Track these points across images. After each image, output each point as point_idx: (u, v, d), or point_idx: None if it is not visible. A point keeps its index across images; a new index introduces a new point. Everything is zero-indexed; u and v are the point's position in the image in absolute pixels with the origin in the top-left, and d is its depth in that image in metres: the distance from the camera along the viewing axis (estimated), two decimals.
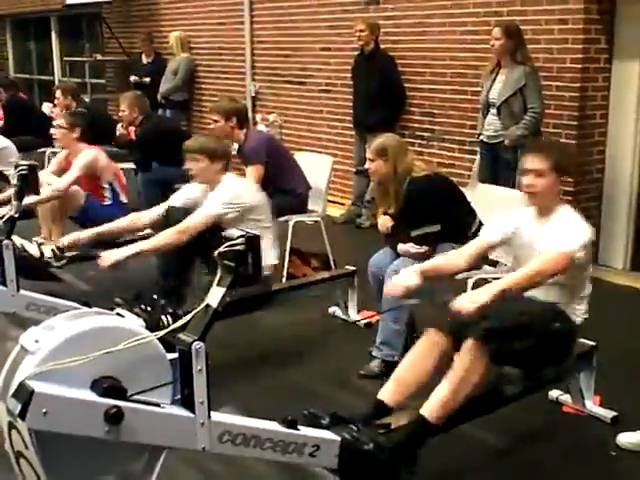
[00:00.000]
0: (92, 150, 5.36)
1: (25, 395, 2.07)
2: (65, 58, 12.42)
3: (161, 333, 2.35)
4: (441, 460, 3.02)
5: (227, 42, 9.04)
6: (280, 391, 3.76)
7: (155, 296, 3.90)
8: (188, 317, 2.40)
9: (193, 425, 2.33)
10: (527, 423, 3.47)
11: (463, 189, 4.35)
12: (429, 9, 6.59)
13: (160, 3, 10.03)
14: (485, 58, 5.81)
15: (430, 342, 3.06)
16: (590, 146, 5.63)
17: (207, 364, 2.32)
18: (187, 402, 2.34)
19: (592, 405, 3.48)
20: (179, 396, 2.38)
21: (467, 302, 2.85)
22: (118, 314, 2.52)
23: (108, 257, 4.02)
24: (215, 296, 2.41)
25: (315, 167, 5.67)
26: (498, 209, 4.13)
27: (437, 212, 3.97)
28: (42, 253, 4.97)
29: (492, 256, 3.90)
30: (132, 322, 2.42)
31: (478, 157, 5.87)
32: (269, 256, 4.22)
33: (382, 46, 6.78)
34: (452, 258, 3.39)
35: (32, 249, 4.96)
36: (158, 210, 4.42)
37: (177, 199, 4.42)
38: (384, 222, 4.15)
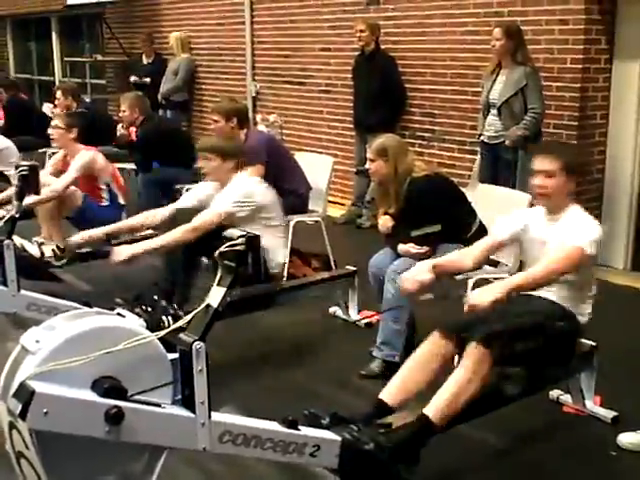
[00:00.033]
0: (89, 151, 5.36)
1: (26, 395, 2.07)
2: (65, 58, 12.43)
3: (161, 333, 2.35)
4: (441, 460, 3.02)
5: (227, 42, 9.04)
6: (280, 391, 3.76)
7: (156, 297, 3.91)
8: (188, 317, 2.40)
9: (194, 425, 2.33)
10: (527, 423, 3.47)
11: (463, 189, 4.35)
12: (429, 9, 6.59)
13: (161, 3, 10.04)
14: (485, 58, 5.82)
15: (433, 345, 3.07)
16: (591, 146, 5.64)
17: (208, 364, 2.32)
18: (188, 402, 2.34)
19: (592, 405, 3.48)
20: (180, 396, 2.38)
21: (482, 297, 2.86)
22: (119, 314, 2.52)
23: (121, 252, 4.06)
24: (215, 296, 2.41)
25: (315, 167, 5.67)
26: (498, 209, 4.14)
27: (437, 212, 3.97)
28: (42, 253, 4.99)
29: (492, 256, 3.90)
30: (133, 322, 2.41)
31: (478, 157, 5.87)
32: (279, 255, 4.26)
33: (382, 46, 6.78)
34: (462, 255, 3.41)
35: (32, 249, 4.98)
36: (169, 209, 4.46)
37: (190, 197, 4.47)
38: (384, 222, 4.15)
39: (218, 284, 2.43)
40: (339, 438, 2.62)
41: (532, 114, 5.26)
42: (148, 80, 9.27)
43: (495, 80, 5.46)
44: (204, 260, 4.15)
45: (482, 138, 5.63)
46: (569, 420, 3.51)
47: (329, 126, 7.84)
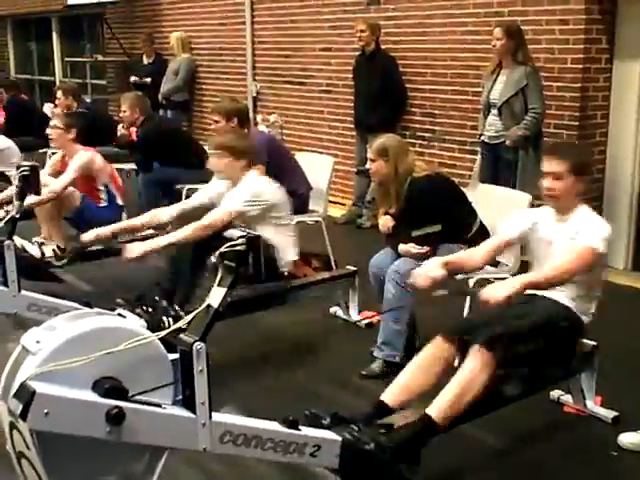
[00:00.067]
0: (88, 152, 5.34)
1: (26, 396, 2.07)
2: (66, 59, 12.44)
3: (162, 334, 2.35)
4: (442, 460, 3.02)
5: (228, 42, 9.04)
6: (281, 391, 3.76)
7: (157, 297, 3.92)
8: (189, 317, 2.40)
9: (194, 425, 2.33)
10: (528, 423, 3.47)
11: (464, 189, 4.35)
12: (430, 9, 6.59)
13: (161, 4, 10.04)
14: (486, 58, 5.82)
15: (436, 349, 3.08)
16: (591, 146, 5.62)
17: (208, 364, 2.33)
18: (188, 403, 2.34)
19: (593, 405, 3.48)
20: (180, 397, 2.38)
21: (496, 292, 2.87)
22: (119, 315, 2.52)
23: (133, 249, 4.10)
24: (216, 296, 2.41)
25: (316, 167, 5.67)
26: (499, 209, 4.14)
27: (438, 212, 3.97)
28: (43, 253, 4.99)
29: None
30: (133, 323, 2.42)
31: (479, 157, 5.87)
32: (289, 253, 4.28)
33: (383, 46, 6.78)
34: (471, 254, 3.42)
35: (33, 249, 4.98)
36: (177, 207, 4.49)
37: (201, 195, 4.49)
38: (385, 222, 4.14)
39: (219, 284, 2.43)
40: (340, 438, 2.62)
41: (533, 114, 5.26)
42: (148, 80, 9.28)
43: (496, 80, 5.46)
44: (212, 259, 4.17)
45: (482, 138, 5.63)
46: (570, 420, 3.51)
47: (330, 126, 7.84)
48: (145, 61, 9.65)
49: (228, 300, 2.41)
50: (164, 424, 2.30)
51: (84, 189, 5.28)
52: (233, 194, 4.22)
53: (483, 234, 4.02)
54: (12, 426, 2.17)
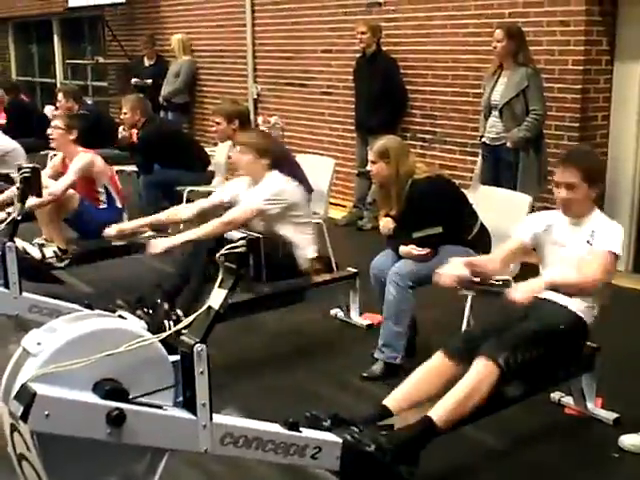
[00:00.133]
0: (88, 154, 5.34)
1: (27, 397, 2.07)
2: (67, 61, 12.46)
3: (163, 335, 2.35)
4: (442, 461, 3.02)
5: (229, 44, 9.05)
6: (282, 393, 3.76)
7: (158, 299, 3.92)
8: (190, 319, 2.40)
9: (195, 427, 2.33)
10: (528, 424, 3.47)
11: (465, 191, 4.35)
12: (431, 11, 6.59)
13: (162, 6, 10.04)
14: (487, 60, 5.82)
15: (439, 364, 3.09)
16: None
17: (209, 366, 2.33)
18: (189, 404, 2.34)
19: (594, 407, 3.48)
20: (181, 398, 2.38)
21: (521, 292, 2.90)
22: (120, 316, 2.53)
23: (157, 245, 4.19)
24: (217, 298, 2.41)
25: (317, 169, 5.66)
26: (500, 211, 4.14)
27: (439, 214, 3.97)
28: (44, 255, 4.99)
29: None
30: (134, 324, 2.42)
31: (480, 159, 5.86)
32: (308, 251, 4.36)
33: (384, 48, 6.79)
34: (490, 259, 3.44)
35: (34, 251, 4.98)
36: (196, 206, 4.54)
37: (222, 193, 4.53)
38: (386, 224, 4.14)
39: (219, 286, 2.43)
40: (340, 440, 2.62)
41: (533, 115, 5.26)
42: (149, 82, 9.28)
43: (496, 82, 5.46)
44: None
45: (483, 140, 5.63)
46: (570, 422, 3.51)
47: (330, 128, 7.84)
48: (146, 63, 9.65)
49: (229, 302, 2.41)
50: (165, 426, 2.30)
51: (83, 191, 5.28)
52: (254, 192, 4.26)
53: (484, 236, 4.03)
54: (13, 428, 2.18)
